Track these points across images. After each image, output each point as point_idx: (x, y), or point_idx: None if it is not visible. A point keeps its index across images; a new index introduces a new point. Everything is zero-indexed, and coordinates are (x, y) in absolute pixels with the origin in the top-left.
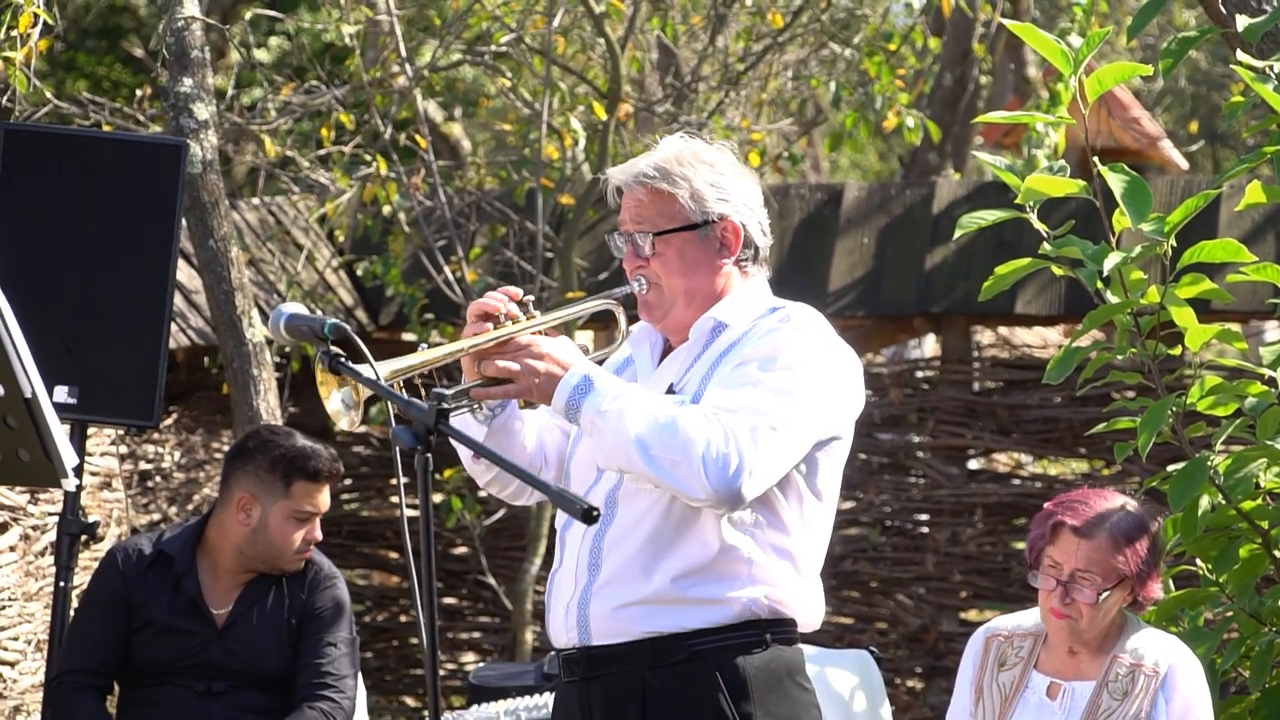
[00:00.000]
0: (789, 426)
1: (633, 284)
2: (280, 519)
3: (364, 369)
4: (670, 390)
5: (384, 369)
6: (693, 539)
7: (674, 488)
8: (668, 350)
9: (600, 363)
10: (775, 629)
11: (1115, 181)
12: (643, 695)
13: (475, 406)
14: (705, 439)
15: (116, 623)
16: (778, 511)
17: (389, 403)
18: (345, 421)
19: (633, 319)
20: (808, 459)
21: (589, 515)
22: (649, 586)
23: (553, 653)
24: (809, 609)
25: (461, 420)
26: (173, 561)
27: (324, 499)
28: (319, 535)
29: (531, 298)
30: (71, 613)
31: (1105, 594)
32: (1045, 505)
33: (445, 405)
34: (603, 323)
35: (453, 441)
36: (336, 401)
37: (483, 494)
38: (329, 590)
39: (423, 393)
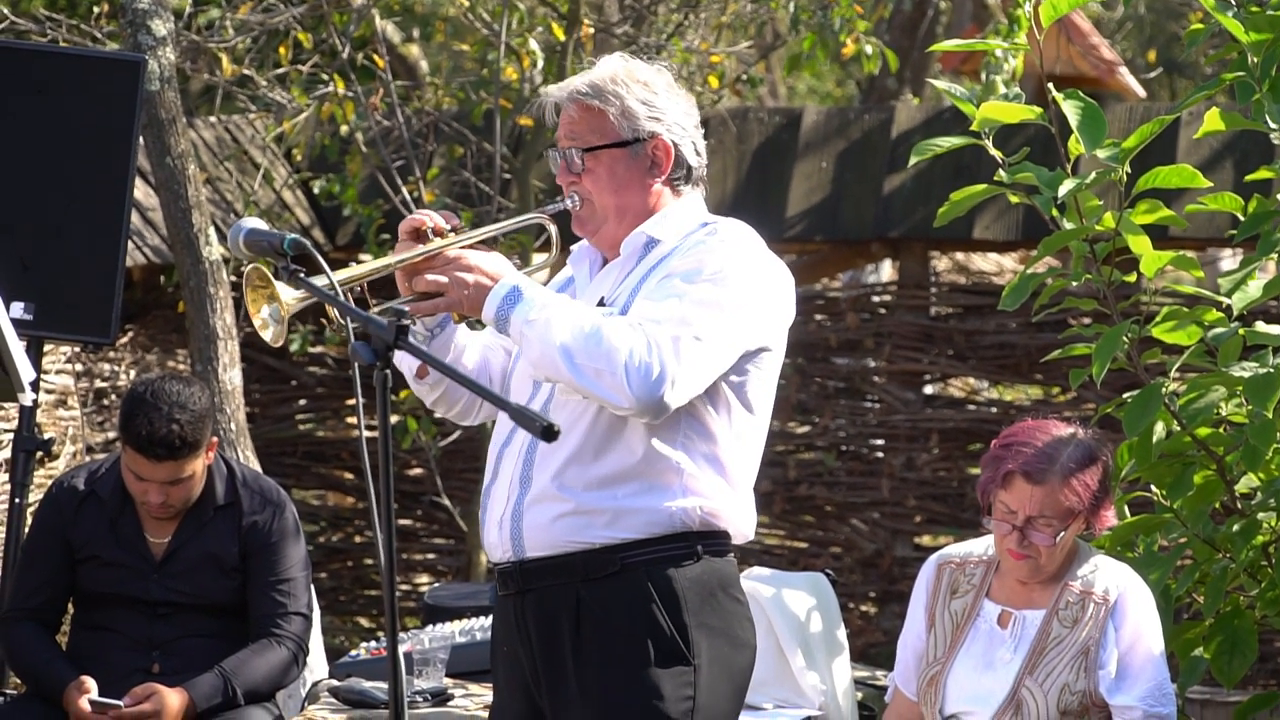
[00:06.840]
0: (713, 337)
1: (567, 199)
2: (125, 468)
3: (323, 284)
4: (601, 303)
5: (319, 283)
6: (621, 449)
7: (598, 396)
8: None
9: (546, 280)
10: (707, 541)
11: (1070, 108)
12: (576, 608)
13: (411, 323)
14: (628, 348)
15: (59, 559)
16: (706, 423)
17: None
18: (271, 334)
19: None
20: (737, 369)
21: (549, 432)
22: (579, 498)
23: None
24: (741, 520)
25: None
26: (104, 503)
27: (153, 471)
28: (155, 500)
29: (458, 220)
30: (26, 531)
31: (1062, 534)
32: (992, 445)
33: (405, 321)
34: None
35: (397, 363)
36: (265, 314)
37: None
38: (275, 517)
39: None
